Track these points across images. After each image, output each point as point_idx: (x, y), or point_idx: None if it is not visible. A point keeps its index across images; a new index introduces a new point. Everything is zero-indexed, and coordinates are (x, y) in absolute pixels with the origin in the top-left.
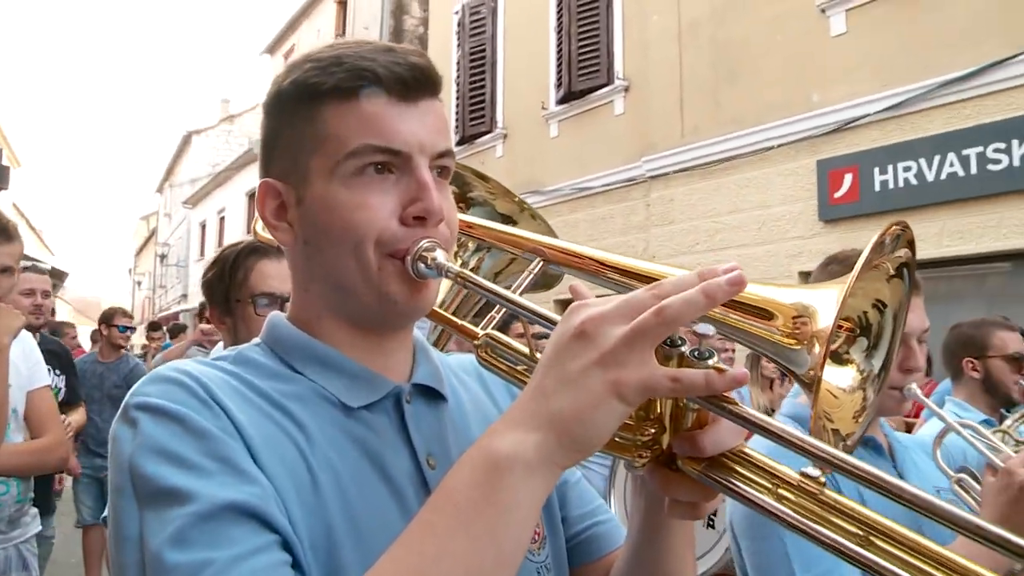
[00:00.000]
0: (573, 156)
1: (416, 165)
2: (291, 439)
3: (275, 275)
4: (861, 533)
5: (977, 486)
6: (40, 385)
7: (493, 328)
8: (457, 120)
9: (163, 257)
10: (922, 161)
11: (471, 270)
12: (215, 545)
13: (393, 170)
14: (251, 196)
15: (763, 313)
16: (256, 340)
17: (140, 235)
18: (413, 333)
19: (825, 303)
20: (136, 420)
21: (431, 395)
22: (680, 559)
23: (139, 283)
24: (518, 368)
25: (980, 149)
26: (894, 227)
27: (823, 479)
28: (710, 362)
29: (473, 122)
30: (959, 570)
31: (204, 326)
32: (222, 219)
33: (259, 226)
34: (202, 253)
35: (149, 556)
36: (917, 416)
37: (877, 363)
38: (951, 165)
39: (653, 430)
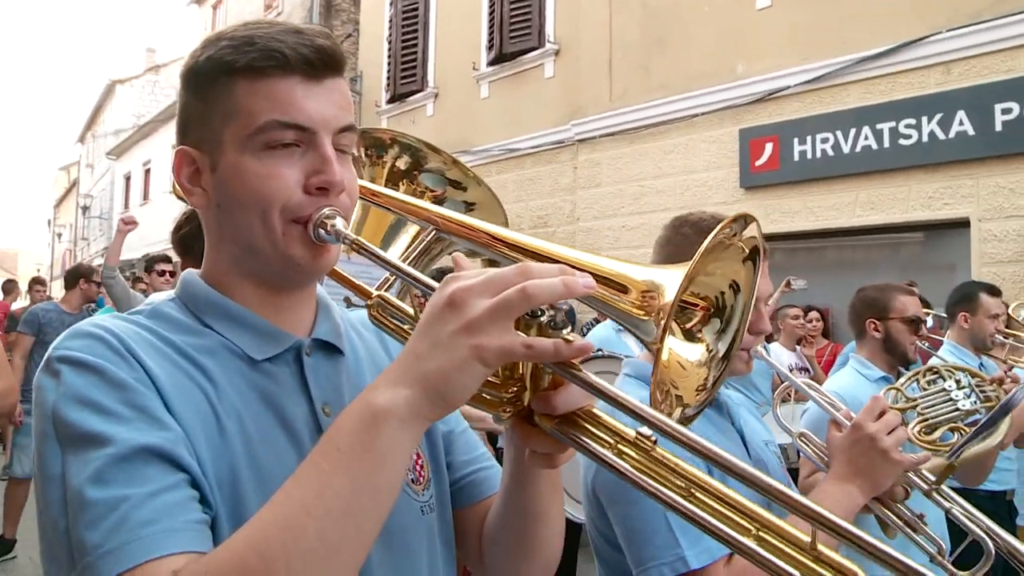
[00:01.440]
0: (503, 117)
1: (320, 140)
2: (200, 389)
3: None
4: (684, 486)
5: (818, 440)
6: None
7: (386, 289)
8: (388, 78)
9: (85, 209)
10: (839, 133)
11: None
12: (131, 483)
13: (299, 144)
14: None
15: (618, 286)
16: (170, 294)
17: (60, 186)
18: (317, 291)
19: (672, 281)
20: (59, 371)
21: (329, 349)
22: (545, 503)
23: (59, 235)
24: (404, 327)
25: (893, 124)
26: (746, 216)
27: (655, 438)
28: (563, 333)
29: (404, 81)
30: (762, 521)
31: None
32: (147, 171)
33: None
34: (126, 205)
35: (71, 493)
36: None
37: (723, 346)
38: (866, 138)
39: (515, 389)
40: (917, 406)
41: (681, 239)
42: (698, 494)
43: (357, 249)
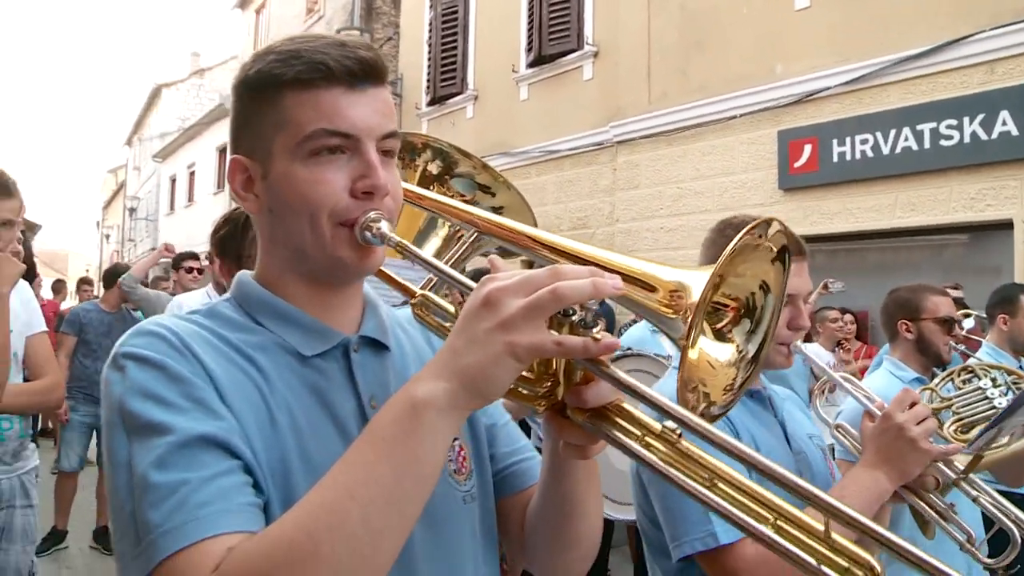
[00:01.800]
0: (542, 119)
1: (364, 147)
2: (253, 383)
3: None
4: (707, 477)
5: (854, 431)
6: (38, 331)
7: (430, 288)
8: (429, 81)
9: (132, 211)
10: (878, 134)
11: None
12: (189, 468)
13: (345, 150)
14: (222, 151)
15: (646, 286)
16: (226, 295)
17: (108, 188)
18: (364, 289)
19: (698, 281)
20: (124, 367)
21: (376, 346)
22: (582, 495)
23: (107, 236)
24: (446, 324)
25: (934, 125)
26: (771, 220)
27: (679, 431)
28: (593, 331)
29: (444, 83)
30: (780, 511)
31: None
32: (192, 174)
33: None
34: (172, 207)
35: (136, 478)
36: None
37: (752, 348)
38: (906, 139)
39: (550, 384)
40: (952, 405)
41: (724, 240)
42: (720, 484)
43: (401, 251)
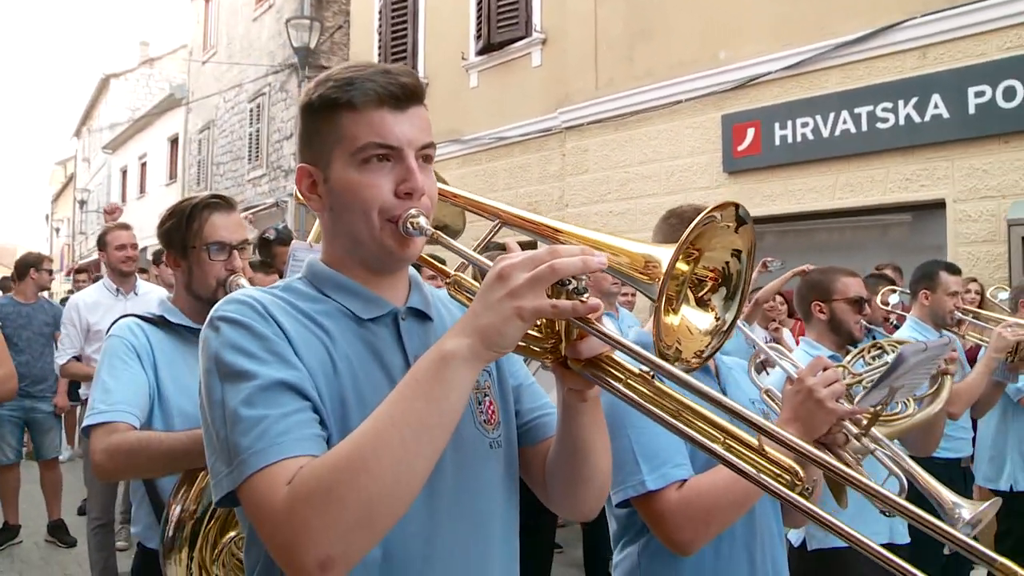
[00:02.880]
0: (492, 106)
1: (406, 156)
2: (320, 341)
3: (225, 226)
4: (674, 408)
5: (779, 394)
6: None
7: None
8: None
9: (83, 203)
10: (819, 118)
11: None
12: (271, 406)
13: (390, 159)
14: (173, 141)
15: (627, 258)
16: (299, 275)
17: (57, 180)
18: (409, 272)
19: (667, 254)
20: (219, 327)
21: (421, 316)
22: (590, 436)
23: (57, 229)
24: (473, 297)
25: (871, 108)
26: (720, 205)
27: (652, 373)
28: (582, 296)
29: None
30: (728, 432)
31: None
32: (144, 165)
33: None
34: (123, 199)
35: (228, 412)
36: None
37: (730, 316)
38: (845, 122)
39: (553, 341)
40: (863, 380)
41: (669, 228)
42: (684, 414)
43: (436, 240)
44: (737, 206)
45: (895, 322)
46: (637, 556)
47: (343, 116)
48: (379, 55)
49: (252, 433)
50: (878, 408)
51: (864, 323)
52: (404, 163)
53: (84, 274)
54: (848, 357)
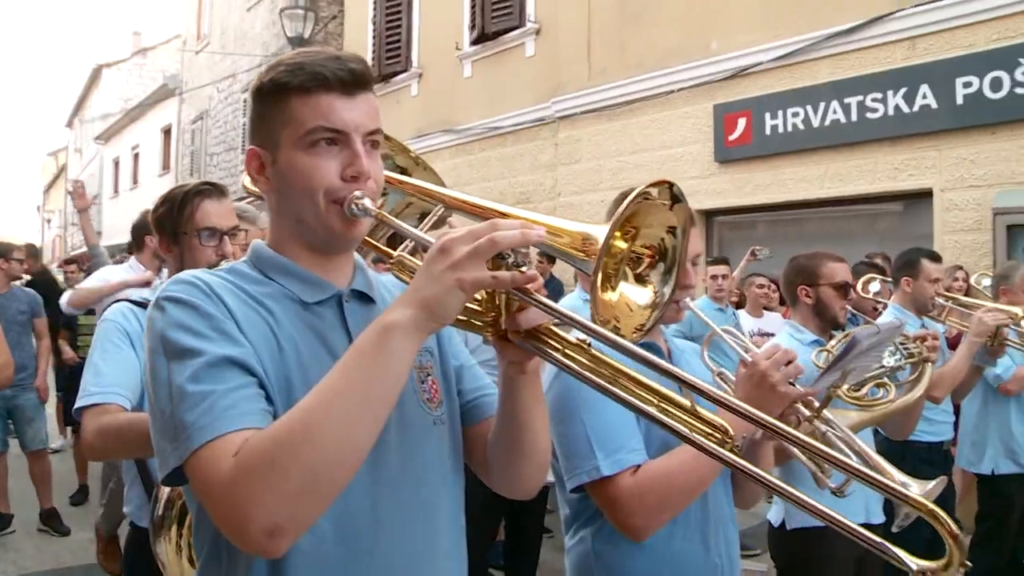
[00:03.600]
0: (485, 96)
1: (353, 140)
2: (265, 321)
3: (216, 213)
4: (610, 375)
5: (732, 377)
6: None
7: (404, 251)
8: (374, 59)
9: None
10: (809, 108)
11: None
12: (217, 381)
13: (337, 143)
14: (166, 132)
15: (564, 236)
16: (244, 259)
17: (48, 171)
18: (354, 256)
19: (602, 232)
20: (164, 307)
21: (364, 298)
22: (530, 412)
23: (48, 220)
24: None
25: (860, 98)
26: (654, 184)
27: (588, 342)
28: (521, 268)
29: (389, 61)
30: (663, 395)
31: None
32: (136, 156)
33: (247, 179)
34: (116, 190)
35: (174, 389)
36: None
37: (668, 289)
38: (835, 112)
39: (494, 314)
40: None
41: (616, 207)
42: (621, 380)
43: (381, 221)
44: (671, 184)
45: (881, 310)
46: (591, 541)
47: (292, 100)
48: (373, 45)
49: (198, 408)
50: (830, 390)
51: (850, 309)
52: (351, 147)
53: (74, 265)
54: (832, 342)
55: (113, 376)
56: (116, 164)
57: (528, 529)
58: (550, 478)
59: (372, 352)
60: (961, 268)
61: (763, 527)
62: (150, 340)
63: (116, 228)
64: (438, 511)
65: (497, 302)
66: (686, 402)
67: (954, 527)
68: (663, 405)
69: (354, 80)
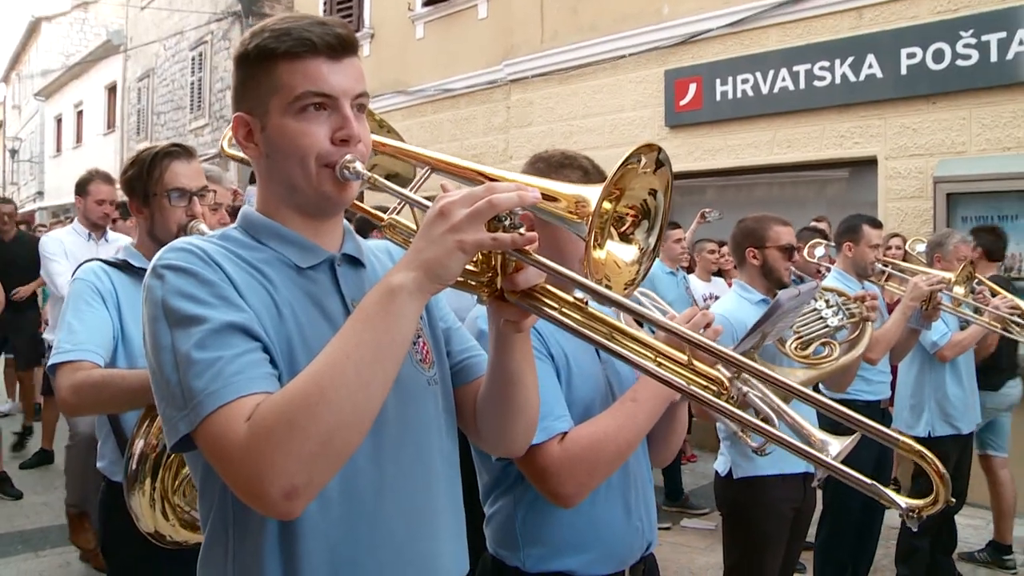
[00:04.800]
0: (438, 58)
1: (342, 104)
2: (263, 286)
3: (185, 174)
4: (607, 331)
5: None
6: None
7: (395, 214)
8: None
9: (14, 152)
10: (758, 74)
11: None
12: (223, 348)
13: (326, 108)
14: (111, 90)
15: (556, 198)
16: (234, 225)
17: None
18: (342, 220)
19: (594, 193)
20: (163, 275)
21: (355, 262)
22: (521, 369)
23: None
24: (410, 239)
25: (808, 66)
26: (642, 148)
27: (586, 300)
28: (520, 230)
29: None
30: (659, 350)
31: None
32: (80, 113)
33: (226, 144)
34: (58, 149)
35: (180, 356)
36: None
37: (652, 240)
38: (783, 79)
39: (490, 275)
40: (793, 325)
41: (536, 172)
42: (617, 336)
43: (372, 184)
44: (659, 150)
45: (824, 273)
46: (513, 507)
47: (280, 66)
48: (325, 6)
49: (207, 375)
50: (750, 351)
51: (794, 271)
52: (340, 111)
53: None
54: None
55: (86, 334)
56: (58, 122)
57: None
58: None
59: (379, 314)
60: (898, 235)
61: (711, 487)
62: (150, 308)
63: (60, 189)
64: (435, 470)
65: (493, 263)
66: (682, 357)
67: (940, 466)
68: (660, 360)
69: (341, 45)
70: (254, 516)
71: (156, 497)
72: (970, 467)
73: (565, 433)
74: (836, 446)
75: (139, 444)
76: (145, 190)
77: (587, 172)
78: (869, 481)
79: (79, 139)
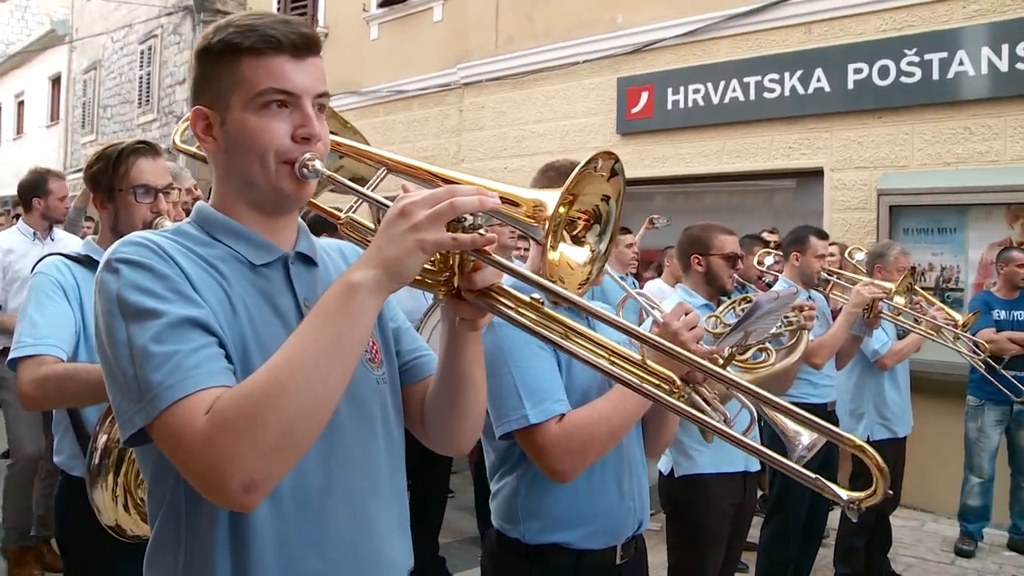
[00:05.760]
0: (392, 59)
1: (303, 103)
2: (218, 283)
3: (151, 171)
4: (562, 331)
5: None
6: None
7: (352, 212)
8: None
9: None
10: (709, 85)
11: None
12: (180, 342)
13: (288, 105)
14: (55, 81)
15: (515, 202)
16: (188, 220)
17: None
18: (297, 218)
19: (552, 198)
20: (118, 269)
21: (308, 261)
22: (472, 368)
23: None
24: (366, 237)
25: (759, 78)
26: (601, 154)
27: (542, 299)
28: (480, 231)
29: None
30: (613, 349)
31: None
32: (21, 104)
33: (178, 138)
34: None
35: (136, 350)
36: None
37: (604, 245)
38: (734, 90)
39: (448, 274)
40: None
41: (547, 180)
42: (572, 336)
43: (332, 182)
44: (616, 159)
45: (769, 281)
46: (516, 484)
47: (244, 61)
48: (279, 5)
49: (164, 368)
50: (734, 348)
51: (737, 278)
52: (302, 109)
53: None
54: (720, 308)
55: (48, 328)
56: None
57: (434, 490)
58: None
59: (339, 310)
60: (835, 244)
61: (655, 489)
62: (104, 302)
63: (1, 181)
64: (382, 468)
65: (451, 262)
66: (636, 356)
67: (880, 460)
68: (614, 359)
69: (305, 44)
70: (206, 513)
71: (119, 491)
72: (903, 470)
73: (563, 415)
74: (807, 437)
75: (103, 438)
76: (110, 185)
77: None
78: (813, 475)
79: (20, 130)
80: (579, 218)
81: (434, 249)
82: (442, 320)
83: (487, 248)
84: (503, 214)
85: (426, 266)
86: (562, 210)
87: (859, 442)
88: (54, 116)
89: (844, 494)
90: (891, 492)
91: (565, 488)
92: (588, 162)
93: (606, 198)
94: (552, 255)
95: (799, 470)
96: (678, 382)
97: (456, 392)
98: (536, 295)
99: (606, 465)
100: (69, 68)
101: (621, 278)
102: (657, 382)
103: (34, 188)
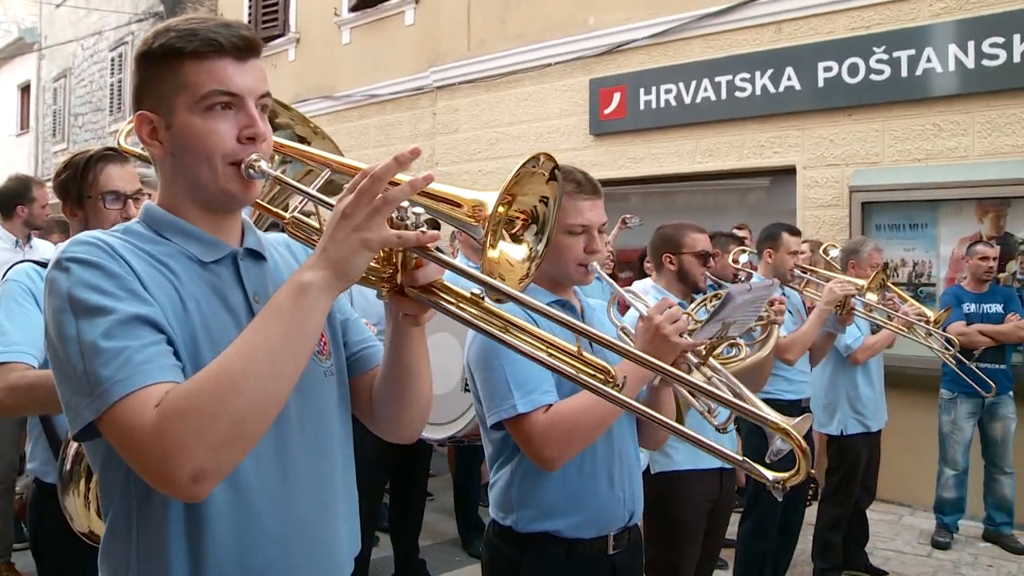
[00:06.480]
0: (364, 63)
1: (247, 103)
2: (168, 280)
3: (120, 177)
4: (501, 324)
5: (633, 331)
6: None
7: (298, 212)
8: (250, 22)
9: None
10: (681, 85)
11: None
12: (130, 338)
13: (232, 107)
14: (24, 89)
15: (455, 202)
16: (135, 219)
17: None
18: (241, 215)
19: (491, 198)
20: (69, 268)
21: (256, 256)
22: (416, 360)
23: None
24: (312, 237)
25: (730, 77)
26: (540, 155)
27: (482, 295)
28: (421, 229)
29: (266, 25)
30: (550, 342)
31: None
32: None
33: (123, 139)
34: None
35: (86, 346)
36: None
37: (541, 246)
38: (706, 90)
39: (391, 271)
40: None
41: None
42: (512, 330)
43: (278, 182)
44: (555, 164)
45: (743, 278)
46: (511, 474)
47: (187, 65)
48: (250, 8)
49: (114, 363)
50: (713, 340)
51: (709, 276)
52: (246, 110)
53: None
54: (692, 305)
55: (19, 335)
56: None
57: (412, 492)
58: (432, 435)
59: (290, 309)
60: (807, 241)
61: None
62: (54, 300)
63: None
64: (333, 457)
65: (394, 260)
66: (572, 348)
67: (803, 443)
68: (551, 351)
69: (246, 46)
70: (157, 502)
71: (91, 498)
72: (879, 463)
73: (550, 405)
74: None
75: (74, 445)
76: (79, 192)
77: (580, 184)
78: (740, 458)
79: None
80: (518, 218)
81: (379, 247)
82: (386, 317)
83: (429, 245)
84: (444, 214)
85: (371, 264)
86: (501, 210)
87: (783, 425)
88: (24, 125)
89: (770, 475)
90: (813, 472)
91: (556, 477)
92: (527, 162)
93: (544, 200)
94: (492, 253)
95: (724, 452)
96: (612, 372)
97: (401, 384)
98: (476, 290)
99: (596, 456)
100: (39, 76)
101: (597, 278)
102: (592, 372)
103: (18, 195)
